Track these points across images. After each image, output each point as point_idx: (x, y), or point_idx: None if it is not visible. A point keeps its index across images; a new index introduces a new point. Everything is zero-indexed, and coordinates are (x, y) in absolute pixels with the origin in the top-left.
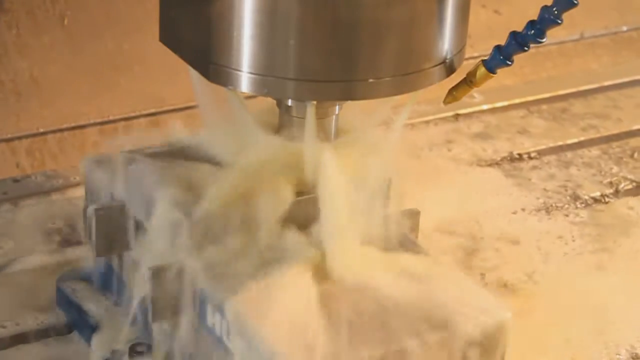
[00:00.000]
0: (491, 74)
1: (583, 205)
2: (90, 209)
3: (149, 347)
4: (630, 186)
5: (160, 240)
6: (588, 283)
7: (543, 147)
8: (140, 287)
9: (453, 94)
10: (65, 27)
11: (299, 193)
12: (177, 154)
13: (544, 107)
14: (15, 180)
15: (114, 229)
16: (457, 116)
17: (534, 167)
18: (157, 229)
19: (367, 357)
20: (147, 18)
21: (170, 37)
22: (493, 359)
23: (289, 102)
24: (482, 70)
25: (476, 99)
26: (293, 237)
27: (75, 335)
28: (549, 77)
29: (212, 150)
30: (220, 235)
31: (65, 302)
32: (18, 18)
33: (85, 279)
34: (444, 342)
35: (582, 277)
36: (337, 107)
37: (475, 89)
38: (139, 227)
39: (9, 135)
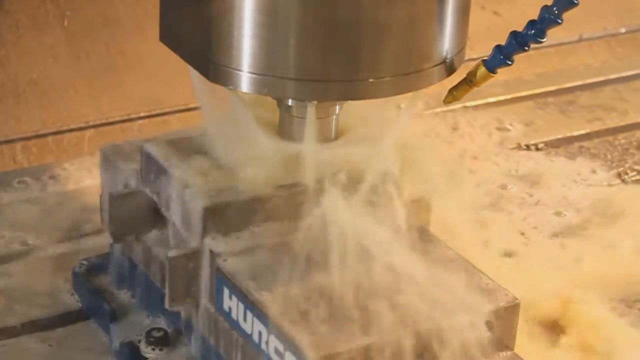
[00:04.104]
0: (491, 74)
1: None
2: (107, 195)
3: (166, 333)
4: (637, 177)
5: (179, 226)
6: None
7: (550, 138)
8: (156, 273)
9: (453, 94)
10: (65, 27)
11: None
12: (192, 143)
13: (551, 99)
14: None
15: (131, 216)
16: (465, 108)
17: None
18: (176, 215)
19: (376, 341)
20: (147, 18)
21: (170, 37)
22: (505, 341)
23: (290, 102)
24: (482, 70)
25: (484, 92)
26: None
27: (92, 322)
28: (555, 70)
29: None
30: (241, 222)
31: (83, 289)
32: (18, 19)
33: (102, 266)
34: (457, 325)
35: None
36: (337, 107)
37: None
38: (156, 213)
39: (9, 137)
